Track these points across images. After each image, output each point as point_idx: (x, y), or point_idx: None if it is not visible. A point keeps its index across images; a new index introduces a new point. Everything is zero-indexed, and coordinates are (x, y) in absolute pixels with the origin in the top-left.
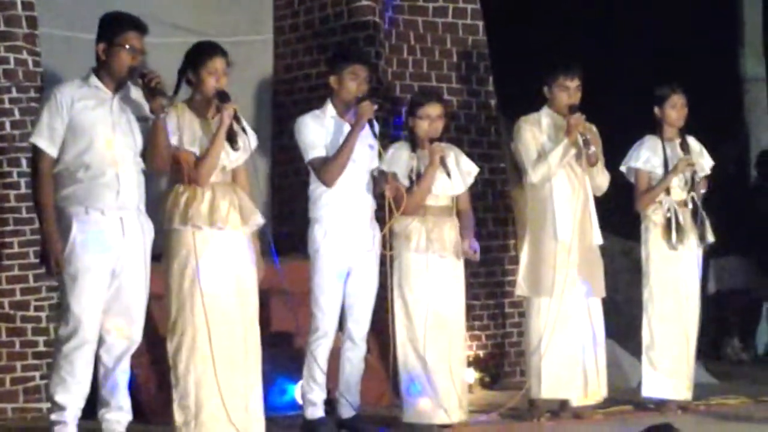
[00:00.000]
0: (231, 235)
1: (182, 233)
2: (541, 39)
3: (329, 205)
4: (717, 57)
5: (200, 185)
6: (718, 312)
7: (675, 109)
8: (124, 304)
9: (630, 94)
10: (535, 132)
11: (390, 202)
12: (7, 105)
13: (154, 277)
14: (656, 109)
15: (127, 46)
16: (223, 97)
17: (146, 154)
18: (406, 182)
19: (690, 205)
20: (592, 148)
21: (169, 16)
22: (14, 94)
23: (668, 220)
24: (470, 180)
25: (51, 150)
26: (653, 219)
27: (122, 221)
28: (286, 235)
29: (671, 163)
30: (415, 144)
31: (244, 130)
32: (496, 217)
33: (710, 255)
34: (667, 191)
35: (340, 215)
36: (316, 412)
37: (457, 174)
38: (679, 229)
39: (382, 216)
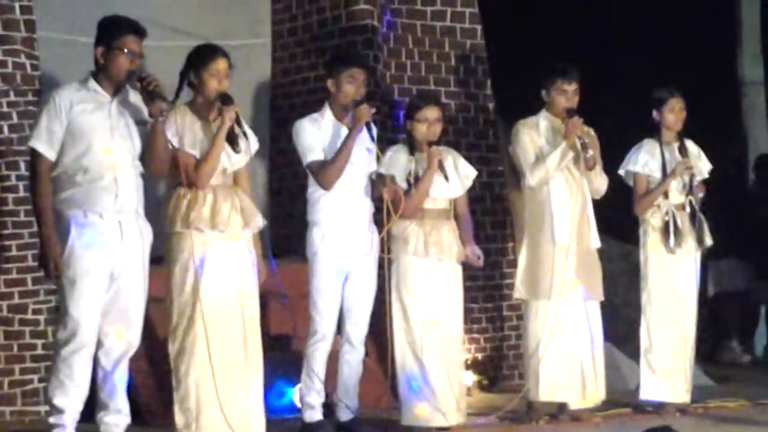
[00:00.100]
0: (232, 238)
1: (184, 236)
2: (540, 42)
3: (327, 209)
4: (715, 60)
5: (200, 188)
6: (717, 315)
7: (673, 113)
8: (122, 308)
9: (628, 97)
10: (533, 135)
11: (388, 205)
12: (5, 108)
13: (153, 281)
14: (654, 113)
15: (126, 50)
16: (225, 99)
17: (145, 158)
18: (404, 185)
19: (688, 209)
20: (590, 152)
21: (167, 20)
22: (12, 97)
23: (666, 224)
24: (468, 183)
25: (49, 153)
26: (651, 222)
27: (121, 225)
28: (284, 238)
29: (669, 167)
30: (413, 147)
31: (245, 133)
32: (494, 221)
33: (708, 258)
34: (666, 195)
35: (339, 218)
36: (314, 415)
37: (455, 177)
38: (677, 232)
39: (380, 219)
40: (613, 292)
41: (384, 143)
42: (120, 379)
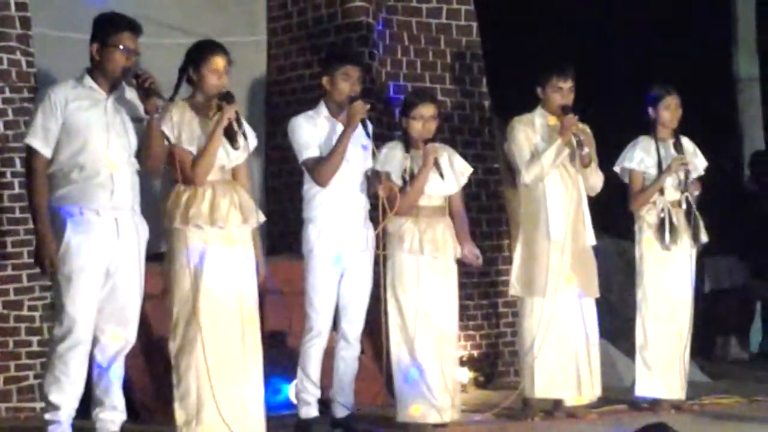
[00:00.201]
0: (232, 234)
1: (183, 233)
2: (535, 39)
3: (323, 206)
4: (711, 57)
5: (196, 184)
6: (713, 312)
7: (669, 110)
8: (118, 305)
9: (624, 94)
10: (528, 132)
11: (383, 202)
12: (0, 105)
13: (149, 278)
14: (650, 110)
15: (121, 47)
16: (227, 98)
17: (141, 155)
18: (399, 182)
19: (684, 206)
20: (586, 149)
21: (163, 17)
22: (7, 94)
23: (662, 221)
24: (463, 180)
25: (45, 150)
26: (647, 219)
27: (117, 222)
28: (279, 235)
29: (665, 164)
30: (408, 144)
31: (244, 134)
32: (489, 218)
33: (704, 255)
34: (661, 192)
35: (334, 215)
36: (310, 411)
37: (450, 174)
38: (673, 229)
39: (375, 216)
40: (608, 289)
41: (379, 140)
42: (116, 375)
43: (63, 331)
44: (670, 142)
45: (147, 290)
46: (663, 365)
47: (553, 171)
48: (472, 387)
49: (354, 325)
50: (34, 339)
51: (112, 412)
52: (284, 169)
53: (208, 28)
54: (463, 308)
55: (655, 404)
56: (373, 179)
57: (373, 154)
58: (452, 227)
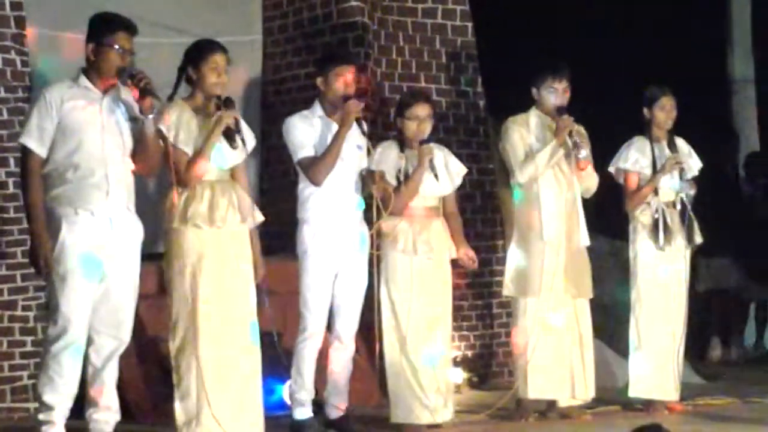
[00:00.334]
0: (230, 234)
1: (182, 233)
2: (530, 40)
3: (318, 206)
4: (706, 58)
5: (189, 187)
6: (707, 312)
7: (664, 111)
8: (113, 305)
9: (619, 94)
10: (522, 133)
11: (378, 202)
12: None
13: (143, 278)
14: (645, 110)
15: (117, 47)
16: (227, 103)
17: (136, 155)
18: (393, 182)
19: (678, 206)
20: (583, 153)
21: (158, 17)
22: (2, 94)
23: (656, 221)
24: (458, 181)
25: (40, 150)
26: (641, 220)
27: (111, 221)
28: (274, 236)
29: (659, 164)
30: (403, 144)
31: (243, 141)
32: (484, 218)
33: (698, 255)
34: (656, 192)
35: (329, 216)
36: (304, 412)
37: (445, 175)
38: (667, 229)
39: (369, 216)
40: (602, 290)
41: (374, 140)
42: (110, 376)
43: (57, 331)
44: (665, 142)
45: (141, 290)
46: (657, 366)
47: (547, 171)
48: (466, 387)
49: (348, 325)
50: (28, 339)
51: (106, 413)
52: (279, 169)
53: (203, 28)
54: (457, 309)
55: (649, 405)
56: (367, 179)
57: (369, 152)
58: (447, 228)
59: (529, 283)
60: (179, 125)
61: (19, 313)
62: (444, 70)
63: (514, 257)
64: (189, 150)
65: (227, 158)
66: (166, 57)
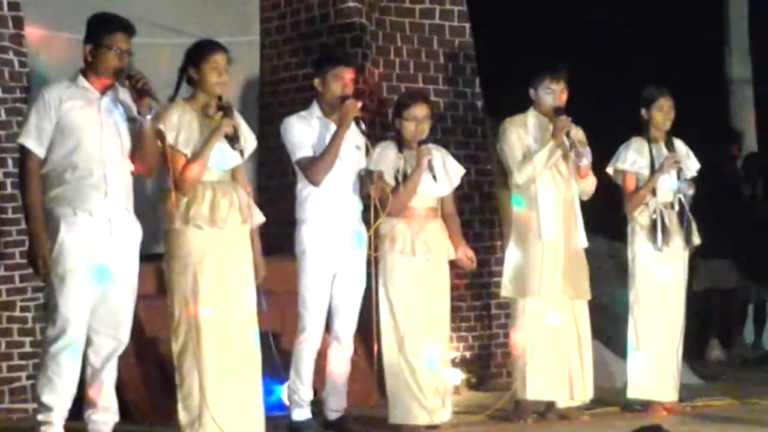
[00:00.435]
0: (231, 234)
1: (183, 233)
2: (528, 40)
3: (316, 207)
4: (704, 58)
5: (183, 192)
6: (705, 313)
7: (662, 112)
8: (112, 305)
9: (617, 95)
10: (520, 133)
11: (376, 202)
12: None
13: (142, 278)
14: (643, 111)
15: (114, 48)
16: (226, 111)
17: (134, 156)
18: (392, 182)
19: (676, 207)
20: (585, 162)
21: (156, 17)
22: (0, 94)
23: (654, 222)
24: (456, 181)
25: (39, 150)
26: (639, 220)
27: (110, 222)
28: (272, 236)
29: (658, 165)
30: (401, 145)
31: (241, 152)
32: (482, 219)
33: (697, 255)
34: (654, 193)
35: (327, 216)
36: (302, 412)
37: (443, 175)
38: (665, 230)
39: (366, 217)
40: (600, 291)
41: (372, 141)
42: (109, 376)
43: (56, 332)
44: (663, 143)
45: (140, 291)
46: (655, 367)
47: (545, 172)
48: (465, 388)
49: (346, 325)
50: (27, 340)
51: (105, 414)
52: (277, 170)
53: (201, 29)
54: (455, 309)
55: (647, 406)
56: (365, 179)
57: (367, 150)
58: (445, 229)
59: (528, 284)
60: (180, 126)
61: (17, 313)
62: (442, 71)
63: (512, 258)
64: (189, 151)
65: (228, 159)
66: (164, 57)
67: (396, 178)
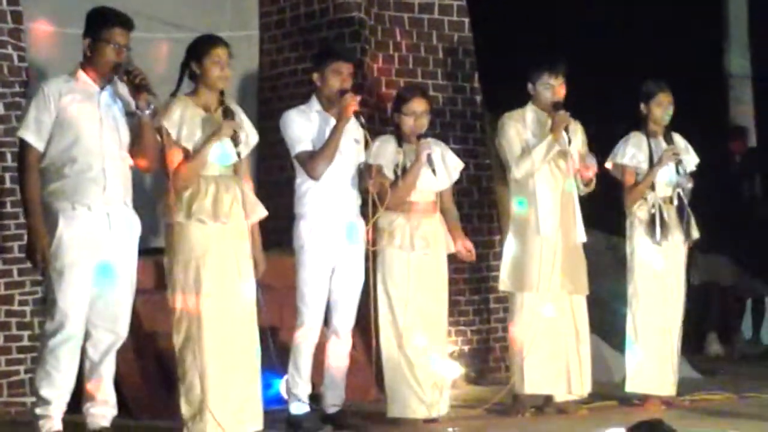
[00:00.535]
0: (233, 229)
1: (186, 227)
2: (527, 35)
3: (315, 201)
4: (703, 54)
5: (177, 190)
6: (704, 308)
7: (661, 107)
8: (110, 299)
9: (615, 90)
10: (519, 128)
11: (374, 197)
12: None
13: (140, 272)
14: (642, 106)
15: (112, 42)
16: (226, 114)
17: (134, 151)
18: (391, 176)
19: (675, 202)
20: (589, 175)
21: (155, 12)
22: None
23: (652, 216)
24: (455, 176)
25: (38, 144)
26: (638, 215)
27: (109, 216)
28: (270, 230)
29: (656, 159)
30: (401, 139)
31: (239, 155)
32: (481, 214)
33: (695, 250)
34: (653, 187)
35: (326, 210)
36: (301, 406)
37: (442, 170)
38: (664, 225)
39: (365, 211)
40: (599, 285)
41: (372, 136)
42: (107, 370)
43: (54, 326)
44: (662, 138)
45: (138, 285)
46: (654, 361)
47: (543, 167)
48: (463, 382)
49: (345, 319)
50: (25, 334)
51: (103, 407)
52: (275, 164)
53: (200, 23)
54: (454, 304)
55: (645, 400)
56: (364, 173)
57: (367, 145)
58: (444, 223)
59: (526, 279)
60: (182, 121)
61: (16, 307)
62: (441, 66)
63: (510, 252)
64: (191, 146)
65: (230, 154)
66: (163, 52)
67: (395, 172)
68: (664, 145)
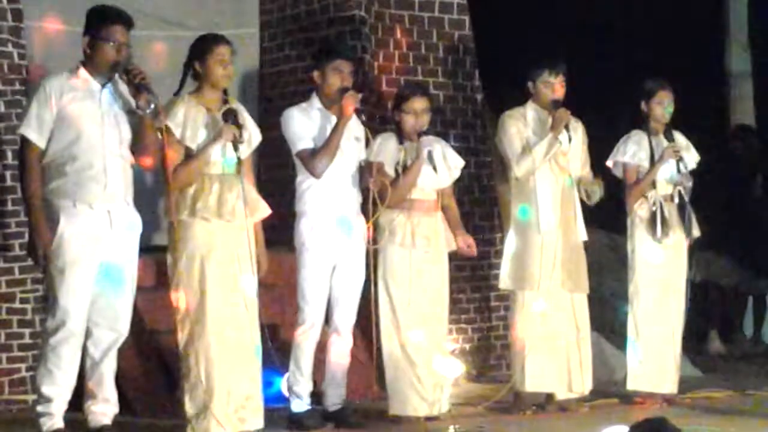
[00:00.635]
0: (237, 227)
1: (190, 225)
2: (528, 33)
3: (316, 199)
4: (703, 51)
5: (174, 190)
6: (705, 306)
7: (661, 105)
8: (111, 297)
9: (616, 88)
10: (519, 126)
11: (375, 195)
12: None
13: (141, 270)
14: (643, 104)
15: (112, 41)
16: (227, 116)
17: (134, 149)
18: (392, 173)
19: (676, 199)
20: (595, 199)
21: (155, 10)
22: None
23: (653, 214)
24: (456, 173)
25: (40, 141)
26: (639, 213)
27: (110, 214)
28: (271, 228)
29: (657, 157)
30: (401, 137)
31: (239, 158)
32: (481, 211)
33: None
34: (653, 185)
35: (327, 208)
36: (302, 404)
37: (443, 168)
38: (664, 222)
39: (365, 209)
40: (600, 283)
41: (372, 134)
42: (108, 368)
43: (56, 323)
44: (663, 136)
45: (139, 283)
46: (655, 359)
47: (544, 165)
48: (464, 380)
49: (346, 317)
50: (26, 331)
51: (105, 405)
52: (276, 162)
53: (200, 21)
54: (455, 301)
55: (647, 398)
56: (365, 170)
57: (367, 142)
58: (444, 221)
59: (527, 277)
60: (187, 121)
61: (17, 305)
62: (441, 64)
63: (510, 250)
64: (195, 145)
65: (233, 153)
66: (163, 50)
67: (396, 170)
68: (665, 142)
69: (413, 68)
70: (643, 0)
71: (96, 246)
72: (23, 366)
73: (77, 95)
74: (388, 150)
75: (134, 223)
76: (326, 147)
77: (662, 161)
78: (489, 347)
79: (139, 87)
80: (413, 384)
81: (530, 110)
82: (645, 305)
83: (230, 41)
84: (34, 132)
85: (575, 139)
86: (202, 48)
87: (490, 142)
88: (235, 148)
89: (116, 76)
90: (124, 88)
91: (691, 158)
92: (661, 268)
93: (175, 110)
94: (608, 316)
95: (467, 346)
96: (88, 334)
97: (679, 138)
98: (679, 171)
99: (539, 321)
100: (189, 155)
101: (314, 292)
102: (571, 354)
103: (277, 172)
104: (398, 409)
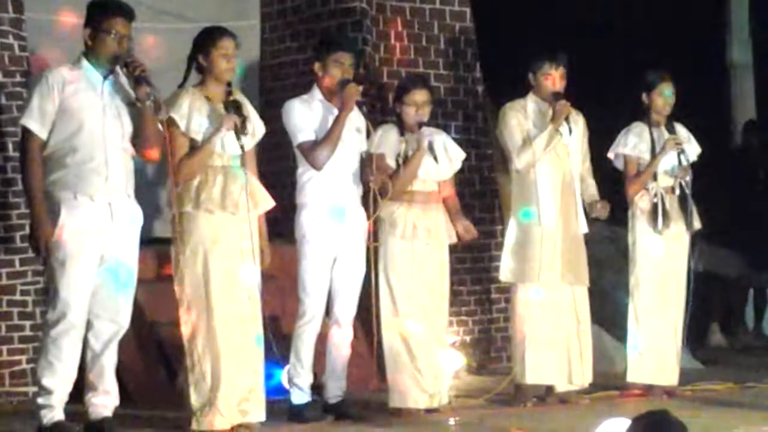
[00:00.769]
0: (241, 219)
1: (194, 217)
2: (529, 25)
3: (316, 191)
4: (704, 43)
5: (178, 182)
6: (706, 298)
7: (662, 97)
8: (112, 289)
9: (617, 80)
10: (520, 118)
11: (375, 192)
12: None
13: (142, 262)
14: (644, 96)
15: (113, 33)
16: (229, 107)
17: (136, 142)
18: (392, 163)
19: (677, 191)
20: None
21: (156, 2)
22: (0, 78)
23: (654, 206)
24: (457, 165)
25: (41, 132)
26: (640, 205)
27: (111, 207)
28: (271, 220)
29: (659, 149)
30: (402, 128)
31: (242, 147)
32: (482, 203)
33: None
34: (654, 177)
35: (328, 200)
36: (302, 396)
37: (444, 159)
38: (665, 214)
39: (366, 201)
40: (601, 276)
41: (373, 126)
42: (109, 360)
43: (56, 315)
44: (664, 128)
45: (140, 275)
46: (655, 351)
47: (544, 157)
48: (465, 373)
49: (346, 309)
50: (27, 323)
51: (105, 397)
52: (276, 154)
53: (201, 13)
54: (456, 294)
55: (647, 390)
56: (366, 161)
57: (368, 134)
58: (445, 213)
59: (527, 269)
60: (191, 114)
61: (17, 297)
62: (442, 56)
63: (511, 243)
64: (200, 138)
65: (237, 145)
66: (164, 42)
67: (397, 161)
68: (666, 134)
69: (414, 60)
70: None
71: (97, 238)
72: (24, 358)
73: (79, 87)
74: (389, 141)
75: (135, 216)
76: (327, 139)
77: (663, 153)
78: (489, 339)
79: (138, 79)
80: (414, 376)
81: (531, 102)
82: (645, 297)
83: (234, 34)
84: (36, 123)
85: (576, 132)
86: (207, 41)
87: (491, 134)
88: (237, 138)
89: (117, 68)
90: (125, 80)
91: (693, 150)
92: (662, 260)
93: (179, 102)
94: (609, 308)
95: (468, 339)
96: (88, 327)
97: (681, 130)
98: (680, 163)
99: (540, 313)
100: (193, 147)
101: (315, 284)
102: (572, 346)
103: (277, 164)
104: (398, 402)
